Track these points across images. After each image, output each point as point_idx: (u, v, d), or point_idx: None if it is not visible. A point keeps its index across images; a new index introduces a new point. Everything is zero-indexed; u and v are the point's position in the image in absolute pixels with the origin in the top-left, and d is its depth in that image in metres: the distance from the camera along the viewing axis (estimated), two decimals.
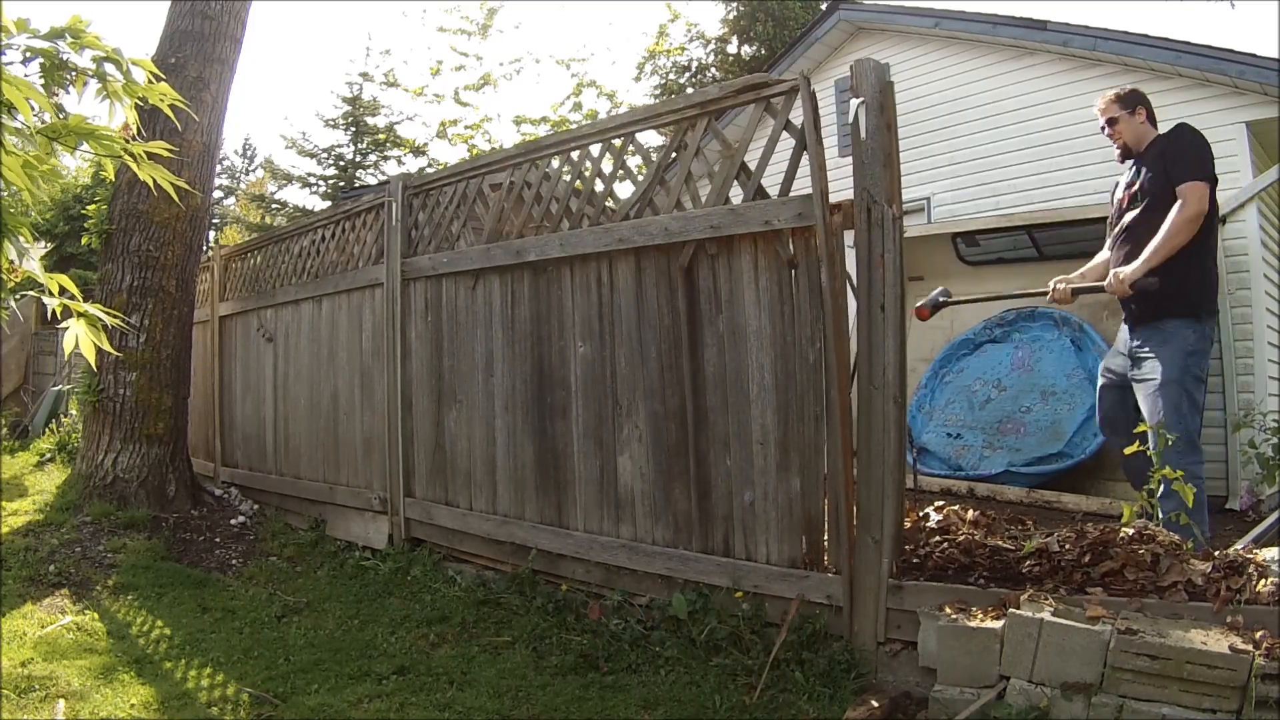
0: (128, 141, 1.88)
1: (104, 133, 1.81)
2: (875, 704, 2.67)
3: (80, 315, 1.80)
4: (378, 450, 5.19)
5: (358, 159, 18.66)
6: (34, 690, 3.12)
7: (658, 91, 16.11)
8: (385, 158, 18.82)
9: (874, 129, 3.01)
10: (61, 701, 3.05)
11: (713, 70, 15.81)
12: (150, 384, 5.85)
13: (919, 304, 3.98)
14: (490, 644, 3.61)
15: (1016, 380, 5.91)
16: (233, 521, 5.94)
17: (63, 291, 1.82)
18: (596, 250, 3.85)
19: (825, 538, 3.15)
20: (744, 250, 3.34)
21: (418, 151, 18.76)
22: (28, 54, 1.74)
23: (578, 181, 4.11)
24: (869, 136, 3.02)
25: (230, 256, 7.37)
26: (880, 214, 3.00)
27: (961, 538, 3.27)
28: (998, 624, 2.58)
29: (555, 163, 4.32)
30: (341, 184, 17.86)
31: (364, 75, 18.66)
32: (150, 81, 1.91)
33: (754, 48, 15.36)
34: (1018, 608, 2.58)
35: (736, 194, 3.45)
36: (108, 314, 1.85)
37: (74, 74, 1.78)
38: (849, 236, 3.12)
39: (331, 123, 18.59)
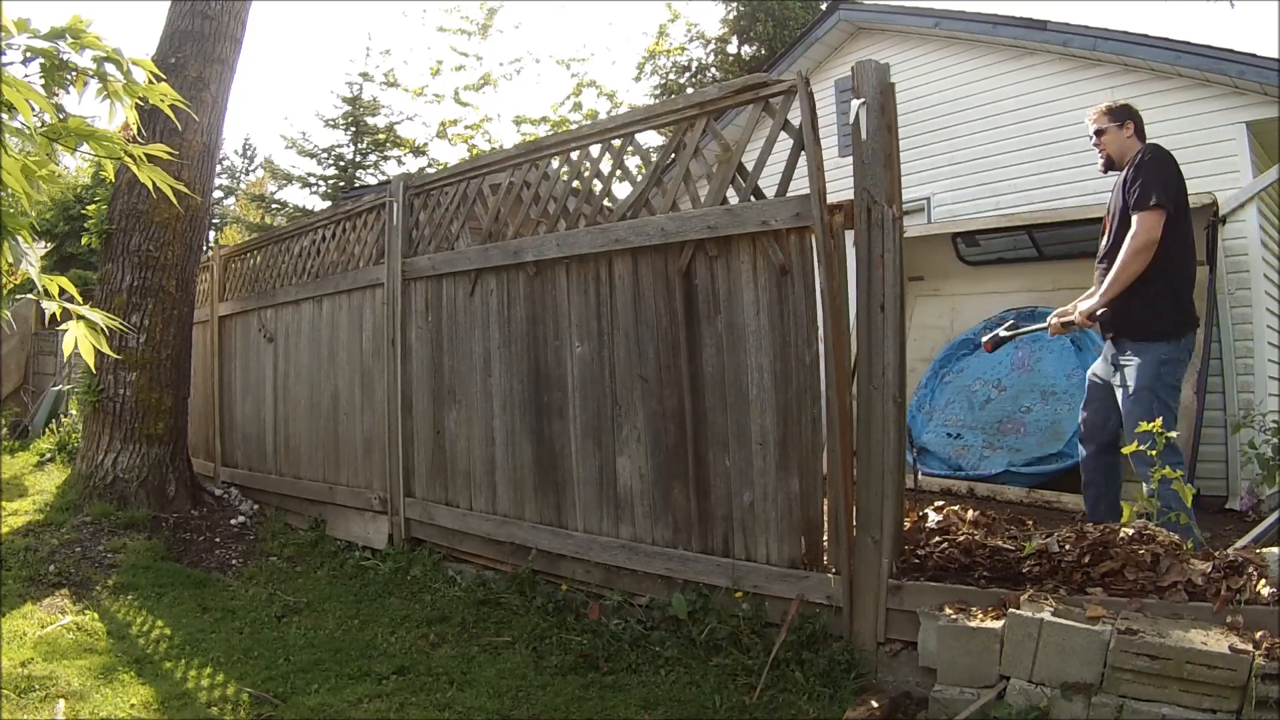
0: (128, 142, 1.88)
1: (104, 134, 1.81)
2: (875, 704, 2.67)
3: (79, 318, 1.79)
4: (378, 450, 5.20)
5: (358, 159, 18.66)
6: (34, 690, 3.13)
7: (658, 91, 16.11)
8: (385, 158, 18.82)
9: (875, 129, 3.01)
10: (61, 701, 3.05)
11: (713, 70, 15.80)
12: (150, 384, 5.85)
13: (985, 339, 4.20)
14: (490, 644, 3.61)
15: (1016, 380, 5.91)
16: (233, 521, 5.94)
17: (62, 293, 1.82)
18: (593, 250, 3.85)
19: (825, 538, 3.15)
20: (741, 251, 3.34)
21: (418, 151, 18.76)
22: (28, 54, 1.73)
23: (576, 182, 4.11)
24: (870, 137, 3.02)
25: (230, 256, 7.38)
26: (880, 214, 3.00)
27: (961, 538, 3.27)
28: (998, 624, 2.58)
29: (555, 163, 4.33)
30: (341, 184, 17.86)
31: (364, 75, 18.68)
32: (150, 81, 1.91)
33: (754, 48, 15.35)
34: (1018, 608, 2.59)
35: (735, 194, 3.45)
36: (106, 318, 1.85)
37: (74, 74, 1.78)
38: (849, 236, 3.12)
39: (331, 123, 18.59)
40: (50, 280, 1.80)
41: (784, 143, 3.26)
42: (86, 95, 1.80)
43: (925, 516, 3.55)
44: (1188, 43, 5.74)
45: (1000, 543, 3.22)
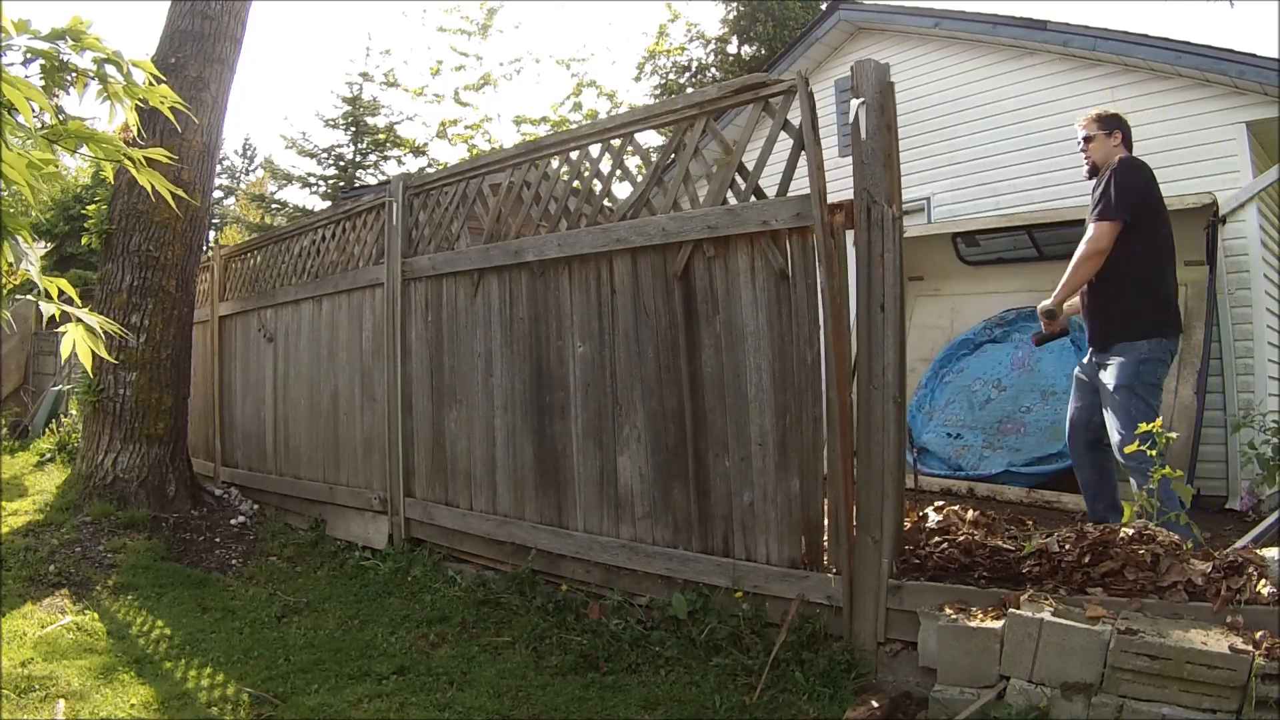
0: (128, 144, 1.88)
1: (104, 136, 1.81)
2: (875, 704, 2.68)
3: (77, 323, 1.79)
4: (378, 450, 5.20)
5: (358, 159, 18.66)
6: (34, 690, 3.13)
7: (658, 91, 16.10)
8: (385, 158, 18.82)
9: (874, 129, 3.01)
10: (61, 701, 3.05)
11: (713, 70, 15.79)
12: (150, 384, 5.86)
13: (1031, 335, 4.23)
14: (490, 644, 3.62)
15: (1016, 380, 5.91)
16: (233, 521, 5.94)
17: (61, 295, 1.82)
18: (594, 250, 3.85)
19: (825, 538, 3.15)
20: (741, 251, 3.34)
21: (418, 151, 18.76)
22: (28, 55, 1.73)
23: (576, 182, 4.11)
24: (869, 137, 3.02)
25: (230, 256, 7.38)
26: (880, 214, 3.00)
27: (961, 538, 3.27)
28: (998, 624, 2.59)
29: (555, 163, 4.33)
30: (341, 184, 17.86)
31: (364, 75, 18.67)
32: (150, 83, 1.91)
33: (754, 48, 15.35)
34: (1018, 608, 2.59)
35: (734, 195, 3.45)
36: (104, 323, 1.85)
37: (74, 75, 1.78)
38: (849, 236, 3.12)
39: (331, 123, 18.59)
40: (50, 282, 1.80)
41: (784, 143, 3.26)
42: (86, 96, 1.80)
43: (925, 516, 3.55)
44: (1188, 43, 5.74)
45: (1000, 543, 3.22)
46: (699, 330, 3.49)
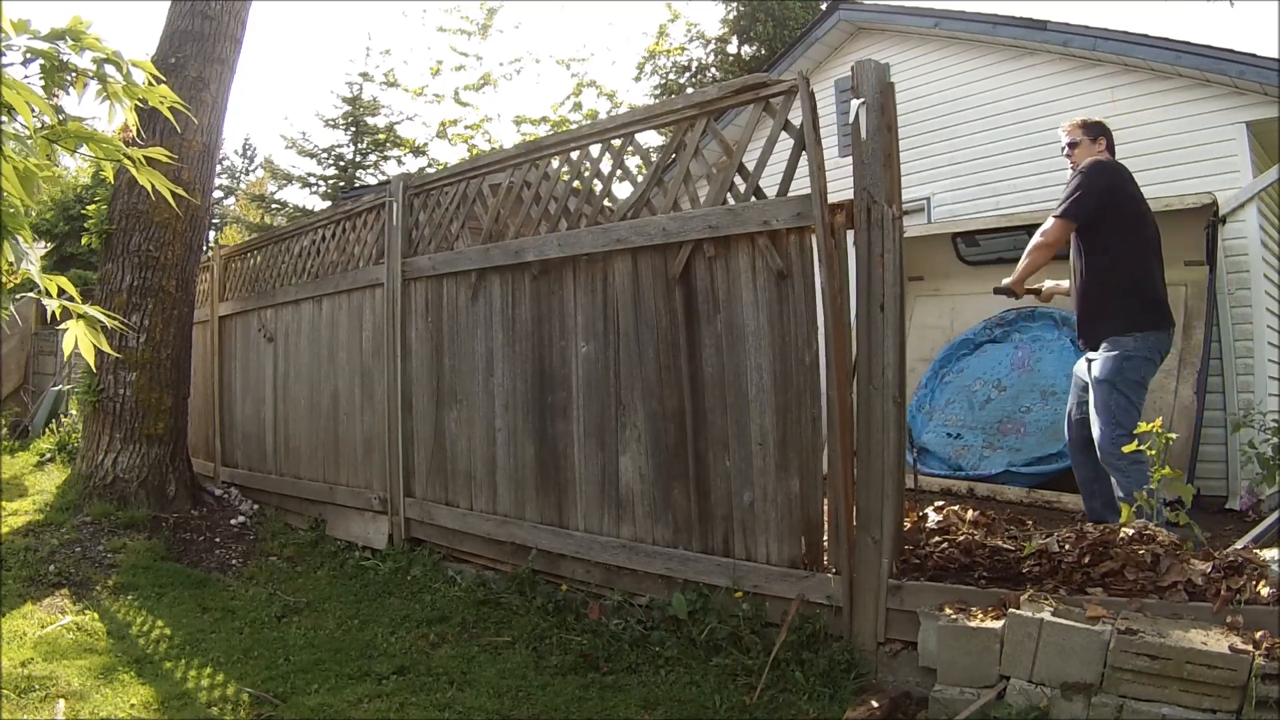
0: (128, 144, 1.88)
1: (103, 137, 1.81)
2: (875, 704, 2.68)
3: (79, 317, 1.80)
4: (378, 450, 5.20)
5: (358, 159, 18.66)
6: (34, 690, 3.13)
7: (658, 91, 16.10)
8: (385, 158, 18.81)
9: (874, 129, 3.01)
10: (61, 701, 3.05)
11: (713, 70, 15.79)
12: (150, 384, 5.86)
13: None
14: (490, 644, 3.62)
15: (1016, 380, 5.91)
16: (233, 521, 5.94)
17: (61, 293, 1.82)
18: (595, 250, 3.85)
19: (825, 538, 3.15)
20: (742, 251, 3.34)
21: (418, 151, 18.75)
22: (28, 55, 1.73)
23: (576, 182, 4.11)
24: (869, 137, 3.02)
25: (230, 256, 7.38)
26: (880, 214, 3.00)
27: (961, 538, 3.27)
28: (998, 624, 2.59)
29: (555, 163, 4.32)
30: (341, 184, 17.85)
31: (364, 75, 18.67)
32: (150, 83, 1.91)
33: (754, 48, 15.34)
34: (1018, 608, 2.59)
35: (732, 196, 3.45)
36: (106, 315, 1.85)
37: (74, 75, 1.78)
38: (850, 236, 3.12)
39: (331, 123, 18.59)
40: (50, 280, 1.80)
41: (785, 143, 3.26)
42: (86, 96, 1.80)
43: (925, 516, 3.56)
44: (1188, 43, 5.73)
45: (1000, 543, 3.22)
46: (699, 330, 3.49)
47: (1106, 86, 6.21)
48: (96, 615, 4.11)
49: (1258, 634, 2.29)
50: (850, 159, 3.10)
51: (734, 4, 15.31)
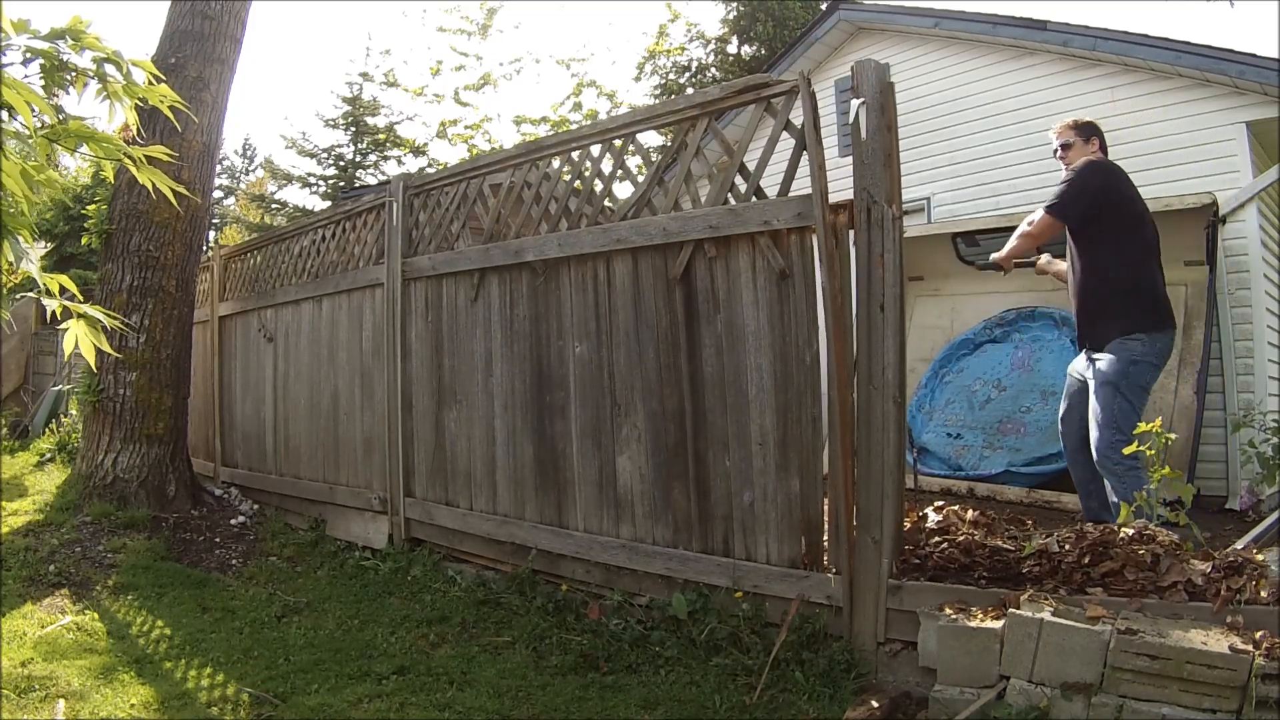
0: (128, 144, 1.88)
1: (104, 136, 1.81)
2: (875, 704, 2.67)
3: (80, 316, 1.80)
4: (378, 450, 5.20)
5: (358, 159, 18.66)
6: (34, 690, 3.13)
7: (658, 91, 16.10)
8: (385, 158, 18.82)
9: (874, 129, 3.01)
10: (61, 701, 3.05)
11: (713, 70, 15.79)
12: (150, 384, 5.85)
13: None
14: (490, 644, 3.62)
15: (1016, 380, 5.90)
16: (233, 521, 5.94)
17: (62, 292, 1.82)
18: (595, 250, 3.85)
19: (825, 538, 3.15)
20: (742, 251, 3.34)
21: (418, 151, 18.76)
22: (28, 55, 1.73)
23: (577, 182, 4.11)
24: (869, 137, 3.02)
25: (230, 256, 7.38)
26: (880, 214, 3.00)
27: (961, 538, 3.27)
28: (998, 624, 2.59)
29: (555, 163, 4.32)
30: (341, 184, 17.86)
31: (364, 75, 18.68)
32: (150, 83, 1.91)
33: (754, 48, 15.35)
34: (1018, 608, 2.59)
35: (733, 196, 3.45)
36: (106, 315, 1.85)
37: (74, 75, 1.78)
38: (851, 236, 3.12)
39: (331, 123, 18.59)
40: (51, 279, 1.80)
41: (785, 143, 3.26)
42: (86, 96, 1.80)
43: (925, 516, 3.55)
44: (1188, 43, 5.73)
45: (1000, 543, 3.22)
46: (699, 330, 3.49)
47: (1106, 86, 6.21)
48: (96, 615, 4.10)
49: (1258, 634, 2.29)
50: (850, 159, 3.10)
51: (734, 4, 15.31)
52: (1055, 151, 4.05)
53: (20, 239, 1.76)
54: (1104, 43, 6.14)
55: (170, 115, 2.09)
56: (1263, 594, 2.49)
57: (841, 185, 3.23)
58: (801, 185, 3.12)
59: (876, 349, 3.03)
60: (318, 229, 6.02)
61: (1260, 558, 2.71)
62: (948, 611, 2.74)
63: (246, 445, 6.80)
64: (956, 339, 6.37)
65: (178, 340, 6.07)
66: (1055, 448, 5.41)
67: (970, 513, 3.57)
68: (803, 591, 3.14)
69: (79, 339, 1.80)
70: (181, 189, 2.20)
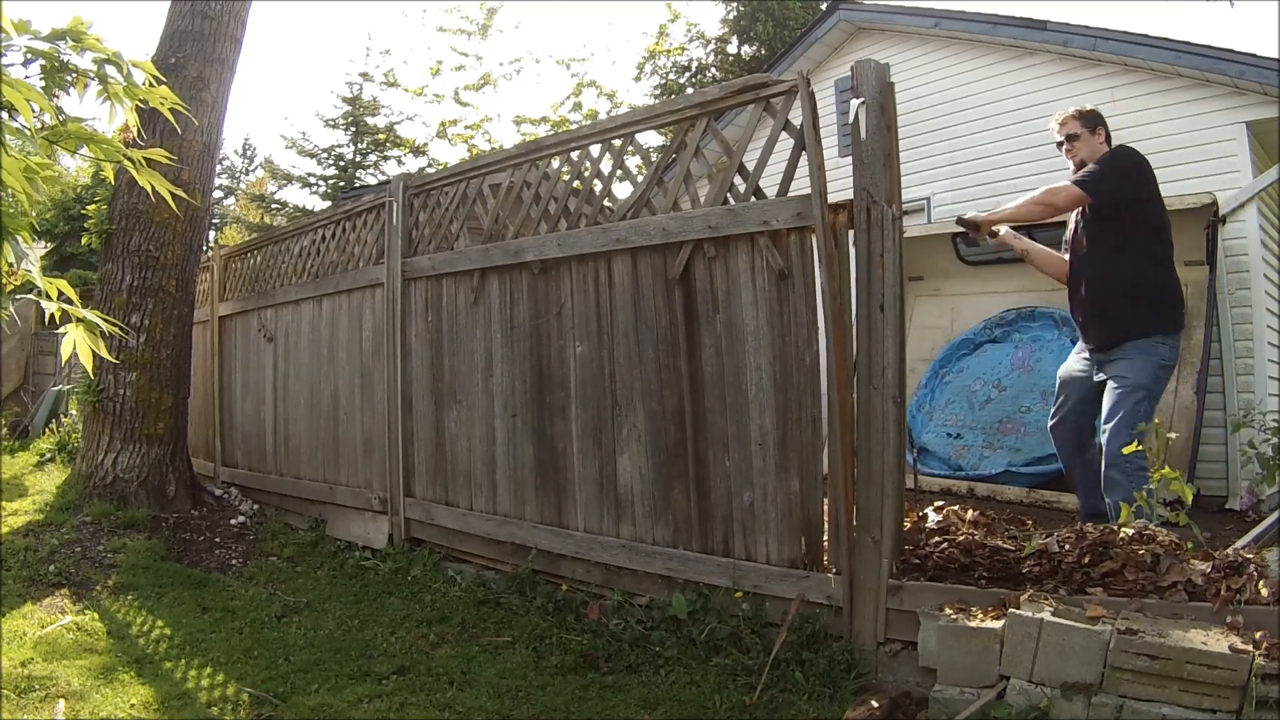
0: (128, 145, 1.88)
1: (103, 138, 1.81)
2: (875, 704, 2.68)
3: (78, 321, 1.80)
4: (378, 450, 5.20)
5: (358, 159, 18.67)
6: (34, 690, 3.13)
7: (658, 91, 16.10)
8: (385, 158, 18.82)
9: (874, 129, 3.01)
10: (61, 701, 3.05)
11: (713, 70, 15.79)
12: (150, 384, 5.86)
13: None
14: (490, 644, 3.62)
15: (1016, 380, 5.91)
16: (233, 521, 5.94)
17: (61, 296, 1.82)
18: (594, 250, 3.85)
19: (825, 538, 3.15)
20: (741, 251, 3.34)
21: (418, 151, 18.76)
22: (29, 55, 1.74)
23: (576, 182, 4.11)
24: (869, 137, 3.02)
25: (230, 256, 7.38)
26: (880, 214, 3.00)
27: (961, 538, 3.27)
28: (998, 624, 2.59)
29: (555, 163, 4.32)
30: (341, 184, 17.86)
31: (364, 75, 18.68)
32: (150, 83, 1.91)
33: (754, 48, 15.35)
34: (1018, 608, 2.59)
35: (732, 196, 3.45)
36: (105, 320, 1.85)
37: (75, 76, 1.78)
38: (849, 236, 3.12)
39: (331, 123, 18.60)
40: (50, 283, 1.80)
41: (785, 143, 3.26)
42: (87, 96, 1.80)
43: (925, 516, 3.55)
44: (1188, 43, 5.73)
45: (1000, 543, 3.22)
46: (699, 330, 3.49)
47: (1106, 86, 6.21)
48: (96, 615, 4.11)
49: (1258, 634, 2.29)
50: (850, 159, 3.10)
51: (734, 4, 15.31)
52: (1060, 144, 3.93)
53: (20, 240, 1.76)
54: (1104, 43, 6.14)
55: (170, 116, 2.09)
56: (1263, 594, 2.49)
57: (841, 185, 3.23)
58: (801, 185, 3.12)
59: (876, 349, 3.03)
60: (318, 229, 6.02)
61: (1260, 557, 2.71)
62: (948, 611, 2.74)
63: (246, 445, 6.80)
64: (956, 339, 6.38)
65: (178, 340, 6.07)
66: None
67: (970, 513, 3.57)
68: (803, 591, 3.14)
69: (77, 344, 1.80)
70: (181, 192, 2.20)
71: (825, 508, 3.14)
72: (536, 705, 3.01)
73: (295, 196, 25.58)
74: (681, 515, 3.56)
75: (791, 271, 3.19)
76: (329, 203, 17.15)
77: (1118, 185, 3.63)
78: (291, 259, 6.27)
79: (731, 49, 15.74)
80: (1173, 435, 3.23)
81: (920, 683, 2.80)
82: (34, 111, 1.66)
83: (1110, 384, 3.70)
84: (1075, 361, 3.97)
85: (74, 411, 8.54)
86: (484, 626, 3.82)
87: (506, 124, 29.75)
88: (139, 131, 2.04)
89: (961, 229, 4.15)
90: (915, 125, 6.93)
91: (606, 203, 4.03)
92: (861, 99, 3.03)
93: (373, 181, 17.63)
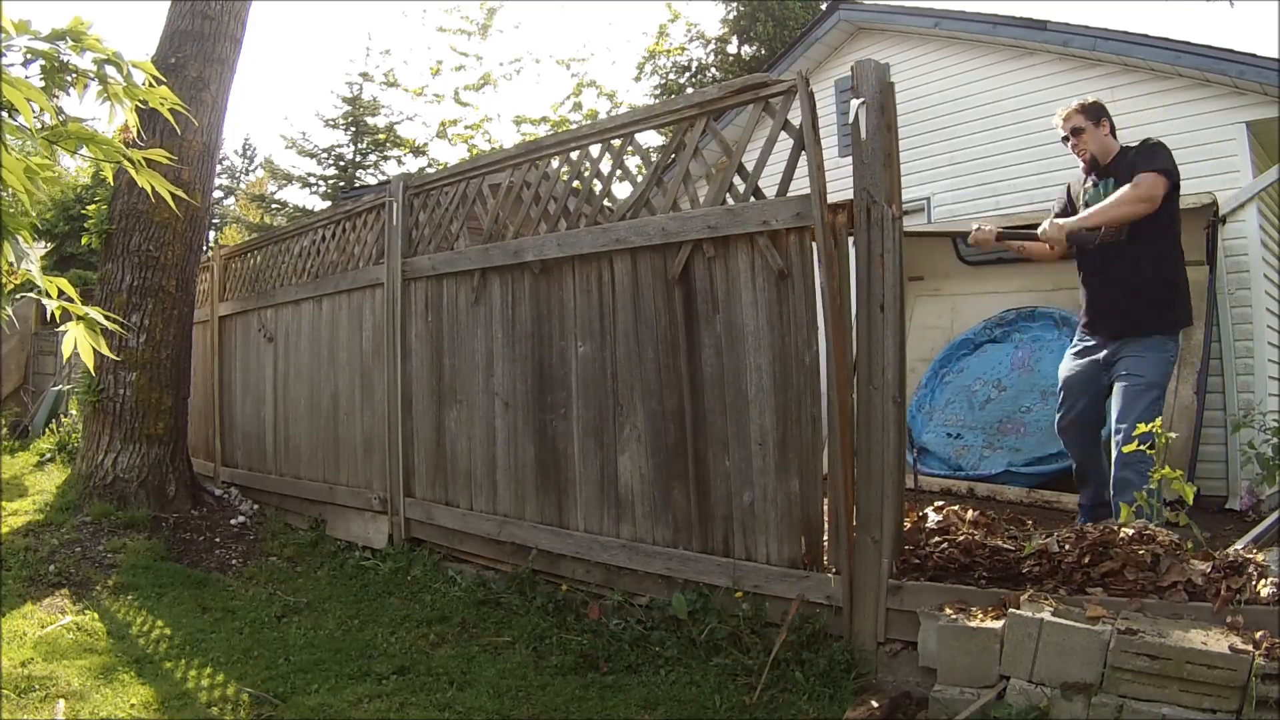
0: (128, 145, 1.88)
1: (103, 138, 1.81)
2: (875, 704, 2.68)
3: (79, 319, 1.80)
4: (378, 450, 5.20)
5: (358, 159, 18.66)
6: (34, 690, 3.13)
7: (658, 91, 16.10)
8: (385, 158, 18.82)
9: (874, 129, 3.01)
10: (61, 701, 3.05)
11: (713, 70, 15.79)
12: (150, 384, 5.86)
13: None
14: (490, 644, 3.62)
15: (1016, 380, 5.91)
16: (233, 521, 5.94)
17: (61, 294, 1.82)
18: (594, 250, 3.85)
19: (825, 538, 3.15)
20: (741, 251, 3.34)
21: (418, 151, 18.76)
22: (29, 55, 1.74)
23: (576, 182, 4.11)
24: (869, 137, 3.02)
25: (230, 256, 7.38)
26: (880, 214, 3.00)
27: (961, 538, 3.27)
28: (998, 624, 2.59)
29: (555, 163, 4.33)
30: (341, 184, 17.86)
31: (364, 75, 18.68)
32: (150, 84, 1.91)
33: (754, 48, 15.34)
34: (1018, 608, 2.59)
35: (731, 197, 3.45)
36: (106, 317, 1.85)
37: (75, 76, 1.78)
38: (849, 236, 3.12)
39: (331, 123, 18.59)
40: (50, 282, 1.80)
41: (784, 143, 3.26)
42: (87, 97, 1.80)
43: (925, 516, 3.55)
44: (1188, 43, 5.73)
45: (1000, 543, 3.22)
46: (699, 330, 3.49)
47: (1106, 86, 6.20)
48: (96, 615, 4.11)
49: (1258, 634, 2.29)
50: (850, 159, 3.10)
51: (734, 4, 15.31)
52: (1065, 140, 3.90)
53: (20, 239, 1.76)
54: (1104, 43, 6.14)
55: (170, 117, 2.09)
56: (1263, 594, 2.49)
57: (841, 185, 3.23)
58: (800, 185, 3.12)
59: (876, 349, 3.03)
60: (318, 229, 6.03)
61: (1260, 558, 2.71)
62: (948, 611, 2.74)
63: (246, 445, 6.80)
64: (956, 339, 6.38)
65: (178, 340, 6.07)
66: (1055, 447, 5.40)
67: (970, 513, 3.57)
68: (803, 591, 3.14)
69: (78, 342, 1.80)
70: (180, 192, 2.20)
71: (825, 508, 3.14)
72: (536, 705, 3.01)
73: (295, 196, 25.62)
74: (681, 515, 3.56)
75: (791, 271, 3.19)
76: (329, 203, 17.15)
77: (1176, 171, 3.59)
78: (291, 259, 6.27)
79: (731, 49, 15.74)
80: (1173, 435, 3.23)
81: (920, 683, 2.80)
82: (34, 111, 1.66)
83: (1122, 382, 3.68)
84: (1076, 361, 3.95)
85: (74, 411, 8.54)
86: (484, 626, 3.82)
87: (506, 124, 29.79)
88: (139, 132, 2.04)
89: (963, 232, 4.13)
90: (915, 125, 6.93)
91: (606, 203, 4.03)
92: (861, 99, 3.03)
93: (373, 181, 17.63)
